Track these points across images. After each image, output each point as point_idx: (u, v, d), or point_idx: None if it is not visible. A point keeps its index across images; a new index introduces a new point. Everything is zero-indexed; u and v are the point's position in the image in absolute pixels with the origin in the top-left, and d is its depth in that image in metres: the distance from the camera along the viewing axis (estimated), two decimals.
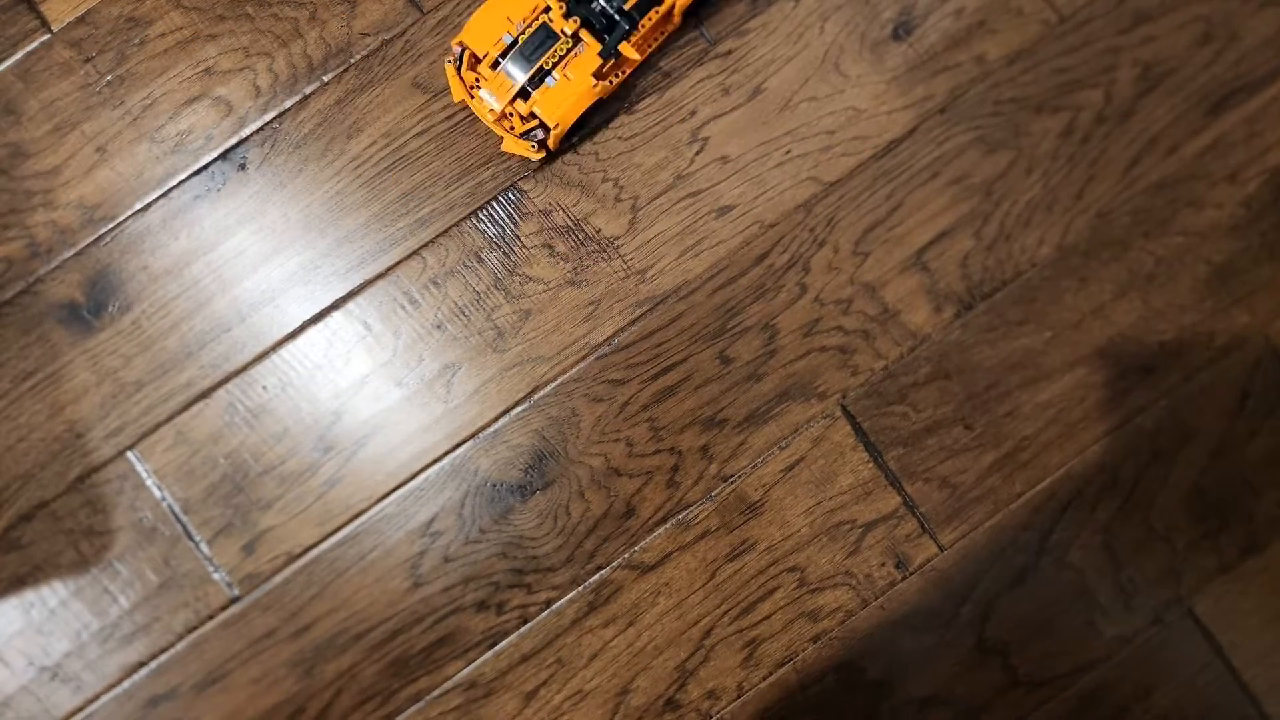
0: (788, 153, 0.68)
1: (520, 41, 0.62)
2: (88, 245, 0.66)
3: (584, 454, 0.67)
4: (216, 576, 0.66)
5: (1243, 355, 0.69)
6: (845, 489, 0.68)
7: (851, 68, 0.68)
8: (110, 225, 0.67)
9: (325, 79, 0.67)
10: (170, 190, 0.67)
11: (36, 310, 0.66)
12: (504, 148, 0.65)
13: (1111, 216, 0.69)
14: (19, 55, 0.67)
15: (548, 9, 0.62)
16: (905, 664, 0.67)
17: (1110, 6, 0.69)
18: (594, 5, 0.63)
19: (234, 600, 0.66)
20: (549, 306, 0.67)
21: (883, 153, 0.68)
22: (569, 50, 0.62)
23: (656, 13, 0.64)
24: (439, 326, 0.67)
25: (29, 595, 0.66)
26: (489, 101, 0.62)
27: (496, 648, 0.67)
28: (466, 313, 0.67)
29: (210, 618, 0.66)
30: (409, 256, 0.67)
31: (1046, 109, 0.68)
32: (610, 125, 0.68)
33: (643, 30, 0.64)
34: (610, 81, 0.64)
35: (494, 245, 0.67)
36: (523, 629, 0.67)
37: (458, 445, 0.67)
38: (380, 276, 0.67)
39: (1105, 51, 0.69)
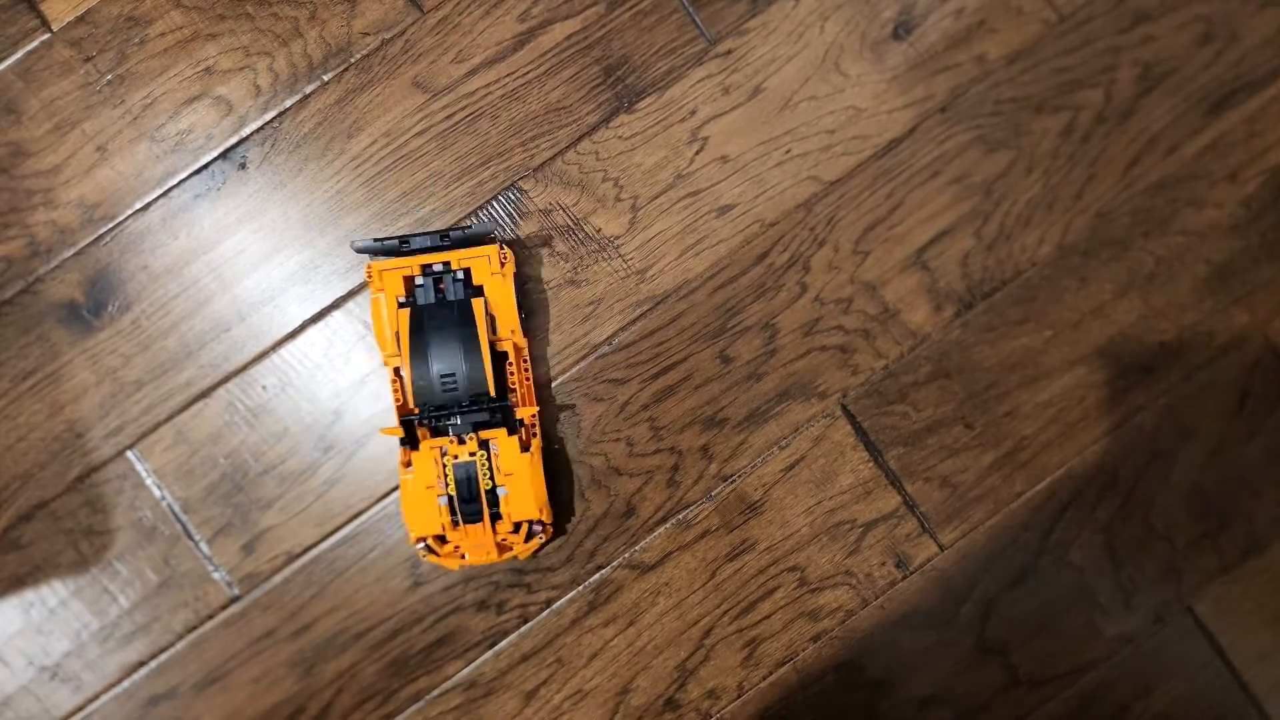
0: (788, 152, 0.68)
1: (454, 496, 0.61)
2: (88, 244, 0.66)
3: (584, 453, 0.67)
4: (216, 576, 0.66)
5: (1242, 354, 0.69)
6: (845, 488, 0.68)
7: (852, 67, 0.68)
8: (110, 224, 0.67)
9: (325, 78, 0.67)
10: (170, 189, 0.67)
11: (36, 310, 0.66)
12: (523, 559, 0.66)
13: (1111, 216, 0.69)
14: (19, 54, 0.66)
15: (444, 450, 0.61)
16: (905, 663, 0.67)
17: (1110, 6, 0.69)
18: (458, 418, 0.62)
19: (234, 600, 0.66)
20: (549, 306, 0.67)
21: (883, 152, 0.68)
22: (489, 459, 0.62)
23: (509, 366, 0.63)
24: None
25: (29, 595, 0.66)
26: (482, 549, 0.62)
27: (496, 647, 0.67)
28: None
29: (210, 617, 0.66)
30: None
31: (1047, 108, 0.68)
32: (610, 125, 0.68)
33: (515, 389, 0.63)
34: (535, 435, 0.64)
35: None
36: (523, 628, 0.67)
37: None
38: None
39: (1105, 51, 0.69)
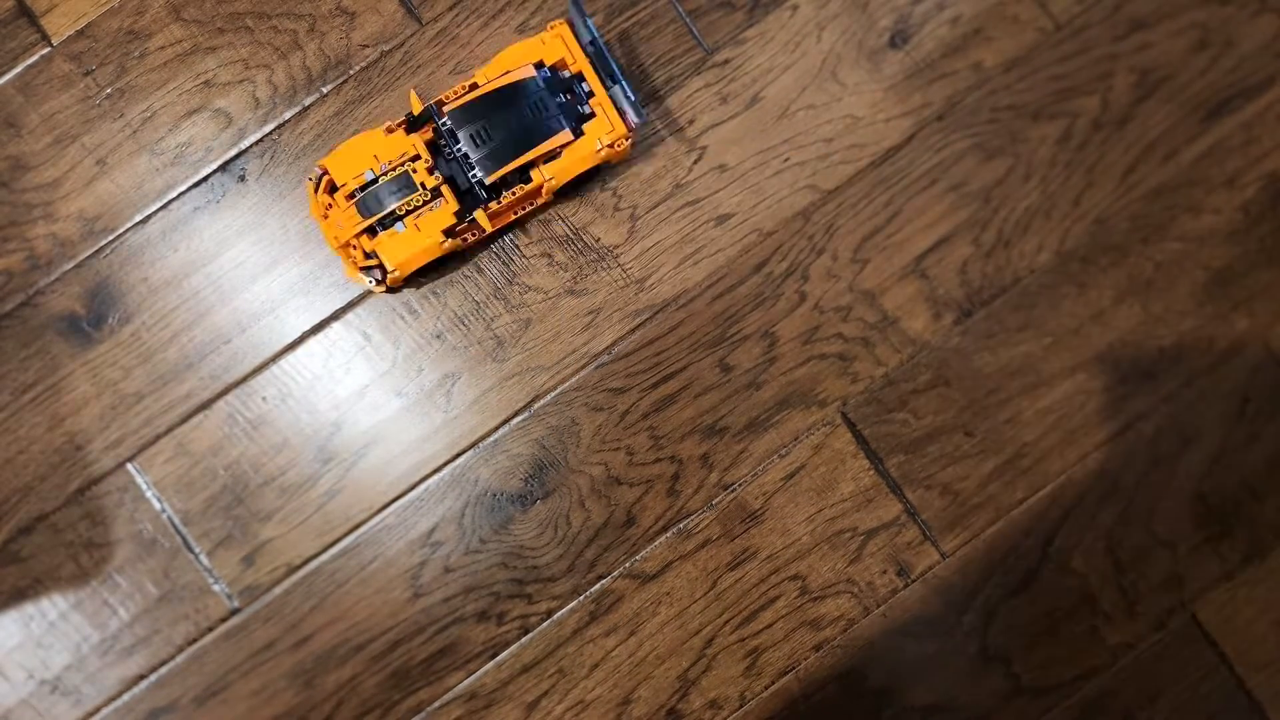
0: (786, 161, 0.68)
1: (380, 182, 0.62)
2: (88, 257, 0.67)
3: (584, 463, 0.67)
4: (216, 588, 0.66)
5: (1242, 360, 0.69)
6: (846, 496, 0.68)
7: (849, 76, 0.68)
8: (110, 237, 0.67)
9: (324, 91, 0.67)
10: (170, 202, 0.67)
11: (37, 322, 0.66)
12: (345, 274, 0.66)
13: (1110, 222, 0.69)
14: (19, 68, 0.67)
15: (416, 158, 0.62)
16: (907, 672, 0.67)
17: (1106, 13, 0.69)
18: (458, 168, 0.63)
19: (234, 612, 0.66)
20: (548, 315, 0.67)
21: (881, 160, 0.68)
22: (424, 203, 0.62)
23: (522, 188, 0.63)
24: (438, 336, 0.67)
25: (29, 608, 0.66)
26: (335, 232, 0.63)
27: (498, 658, 0.67)
28: (466, 322, 0.67)
29: (210, 630, 0.66)
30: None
31: (1044, 116, 0.69)
32: None
33: (502, 204, 0.63)
34: (463, 240, 0.64)
35: (493, 255, 0.67)
36: (524, 639, 0.67)
37: (458, 455, 0.67)
38: None
39: (1102, 58, 0.69)
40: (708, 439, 0.67)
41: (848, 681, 0.67)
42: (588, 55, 0.64)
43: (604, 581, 0.67)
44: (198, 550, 0.66)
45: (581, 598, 0.67)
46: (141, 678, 0.66)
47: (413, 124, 0.63)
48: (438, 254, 0.63)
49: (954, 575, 0.68)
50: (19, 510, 0.66)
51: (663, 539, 0.67)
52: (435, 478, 0.67)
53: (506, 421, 0.67)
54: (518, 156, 0.62)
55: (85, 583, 0.66)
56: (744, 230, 0.68)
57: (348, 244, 0.63)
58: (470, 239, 0.64)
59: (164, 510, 0.66)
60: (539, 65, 0.63)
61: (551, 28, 0.64)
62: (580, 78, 0.64)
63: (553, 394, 0.67)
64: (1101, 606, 0.68)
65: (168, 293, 0.67)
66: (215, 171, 0.67)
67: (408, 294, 0.67)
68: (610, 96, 0.63)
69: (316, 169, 0.63)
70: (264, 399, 0.67)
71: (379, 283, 0.64)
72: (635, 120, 0.62)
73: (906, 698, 0.67)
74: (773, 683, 0.67)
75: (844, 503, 0.68)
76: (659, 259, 0.68)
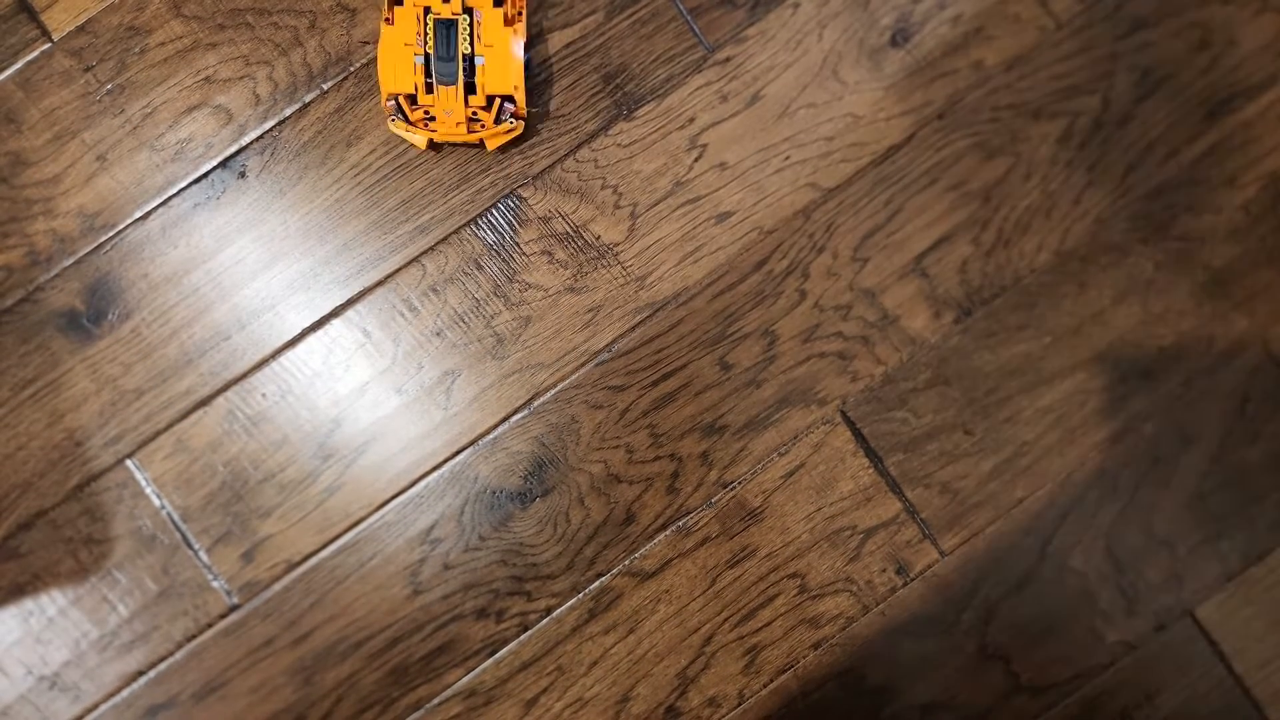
0: (786, 159, 0.68)
1: (431, 54, 0.62)
2: (88, 253, 0.67)
3: (584, 460, 0.67)
4: (216, 585, 0.66)
5: (1242, 360, 0.69)
6: (845, 495, 0.68)
7: (850, 74, 0.68)
8: (110, 233, 0.67)
9: (325, 87, 0.67)
10: (170, 198, 0.67)
11: (36, 318, 0.66)
12: (491, 147, 0.65)
13: (1110, 222, 0.69)
14: (20, 64, 0.67)
15: (427, 10, 0.62)
16: (907, 670, 0.67)
17: (1107, 12, 0.69)
18: None
19: (233, 608, 0.66)
20: (548, 313, 0.67)
21: (881, 159, 0.68)
22: (470, 25, 0.62)
23: None
24: (438, 333, 0.67)
25: (28, 604, 0.66)
26: (451, 119, 0.62)
27: (496, 655, 0.67)
28: (466, 320, 0.67)
29: (209, 626, 0.66)
30: (408, 264, 0.67)
31: (1044, 115, 0.69)
32: (609, 132, 0.68)
33: None
34: (520, 15, 0.63)
35: (493, 252, 0.67)
36: (523, 636, 0.67)
37: (457, 452, 0.67)
38: (380, 284, 0.67)
39: (1103, 58, 0.69)
40: (707, 437, 0.67)
41: (846, 679, 0.67)
42: None
43: (603, 579, 0.67)
44: (197, 546, 0.66)
45: (581, 595, 0.67)
46: (140, 674, 0.66)
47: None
48: (519, 46, 0.62)
49: (953, 574, 0.68)
50: (18, 506, 0.66)
51: (662, 537, 0.67)
52: (435, 475, 0.67)
53: (506, 419, 0.67)
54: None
55: (84, 579, 0.66)
56: (744, 228, 0.68)
57: (469, 119, 0.62)
58: (523, 13, 0.64)
59: (163, 506, 0.66)
60: None
61: None
62: None
63: (552, 391, 0.67)
64: (1100, 605, 0.68)
65: (168, 289, 0.67)
66: (216, 168, 0.67)
67: (407, 291, 0.67)
68: None
69: (387, 103, 0.63)
70: (264, 395, 0.67)
71: (515, 116, 0.63)
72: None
73: (905, 696, 0.67)
74: (771, 681, 0.67)
75: (843, 501, 0.68)
76: (659, 257, 0.68)
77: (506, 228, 0.68)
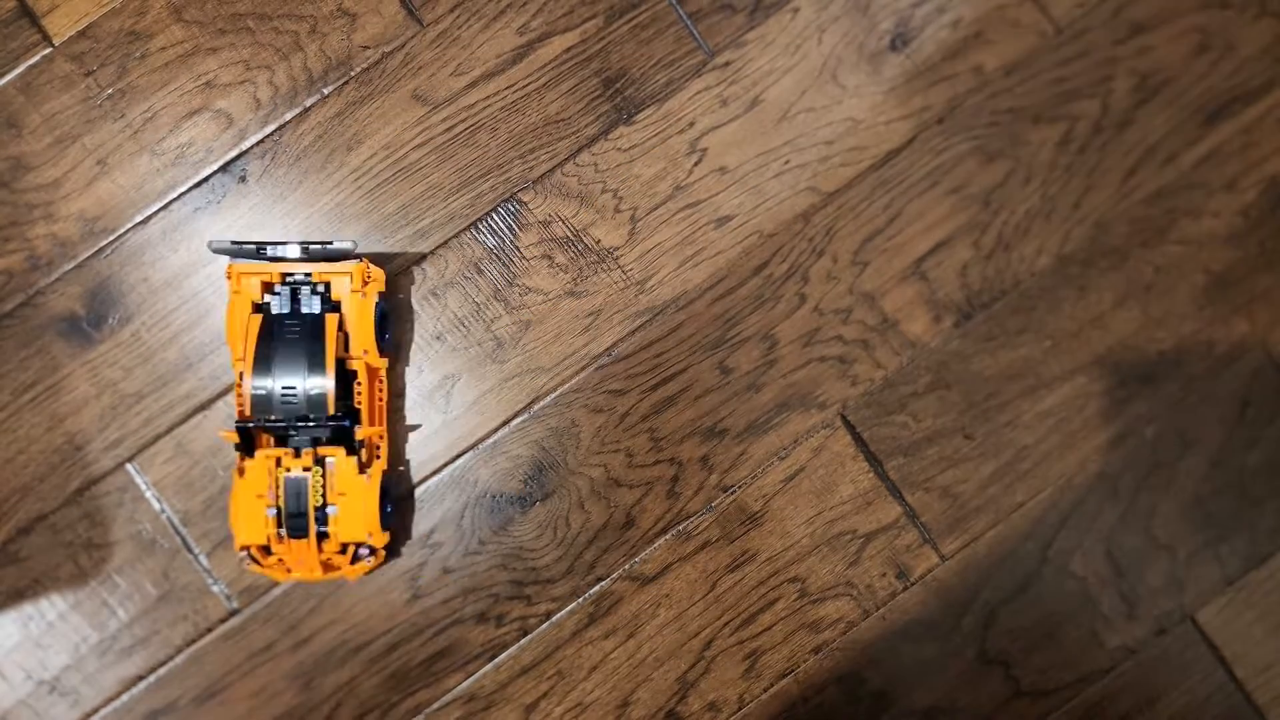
0: (786, 163, 0.68)
1: (282, 509, 0.60)
2: (88, 258, 0.67)
3: (584, 465, 0.67)
4: (215, 589, 0.66)
5: (1242, 364, 0.69)
6: (846, 499, 0.68)
7: (849, 78, 0.68)
8: (111, 238, 0.67)
9: (325, 92, 0.67)
10: (171, 203, 0.67)
11: (37, 322, 0.66)
12: (352, 579, 0.65)
13: (1110, 226, 0.69)
14: (21, 69, 0.67)
15: (279, 462, 0.60)
16: (907, 675, 0.67)
17: (1107, 17, 0.69)
18: (297, 431, 0.60)
19: (233, 613, 0.66)
20: (548, 317, 0.67)
21: (881, 163, 0.68)
22: (323, 476, 0.61)
23: (358, 385, 0.62)
24: (438, 337, 0.67)
25: (27, 608, 0.66)
26: (306, 565, 0.61)
27: (496, 660, 0.66)
28: (466, 323, 0.67)
29: (209, 630, 0.66)
30: (409, 268, 0.67)
31: (1044, 119, 0.69)
32: (609, 137, 0.68)
33: (364, 406, 0.62)
34: (377, 457, 0.63)
35: (493, 256, 0.67)
36: (522, 641, 0.67)
37: (457, 456, 0.67)
38: None
39: (1102, 62, 0.69)
40: (707, 441, 0.67)
41: (847, 684, 0.67)
42: (278, 260, 0.62)
43: (603, 583, 0.67)
44: (197, 551, 0.66)
45: (581, 599, 0.67)
46: (140, 678, 0.66)
47: (244, 445, 0.61)
48: (376, 486, 0.61)
49: (953, 578, 0.67)
50: (18, 510, 0.66)
51: (662, 541, 0.67)
52: (435, 479, 0.67)
53: (506, 423, 0.67)
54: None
55: (84, 583, 0.66)
56: (744, 232, 0.68)
57: (325, 564, 0.62)
58: (380, 453, 0.63)
59: (163, 511, 0.66)
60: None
61: (230, 278, 0.62)
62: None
63: (552, 395, 0.67)
64: (1101, 610, 0.67)
65: (168, 293, 0.67)
66: (216, 172, 0.67)
67: (407, 295, 0.67)
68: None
69: (240, 553, 0.62)
70: None
71: (373, 551, 0.62)
72: (351, 247, 0.61)
73: (906, 700, 0.67)
74: (772, 685, 0.67)
75: (843, 505, 0.68)
76: (659, 261, 0.68)
77: (506, 232, 0.68)
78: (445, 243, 0.67)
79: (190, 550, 0.66)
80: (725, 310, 0.68)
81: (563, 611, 0.67)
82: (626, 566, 0.67)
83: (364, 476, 0.61)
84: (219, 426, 0.66)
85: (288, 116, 0.67)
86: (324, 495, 0.61)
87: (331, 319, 0.61)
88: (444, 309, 0.67)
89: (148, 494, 0.66)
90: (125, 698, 0.66)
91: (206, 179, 0.67)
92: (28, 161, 0.67)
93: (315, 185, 0.67)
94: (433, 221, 0.67)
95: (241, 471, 0.61)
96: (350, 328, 0.62)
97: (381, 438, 0.64)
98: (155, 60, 0.67)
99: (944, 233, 0.68)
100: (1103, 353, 0.68)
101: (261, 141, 0.67)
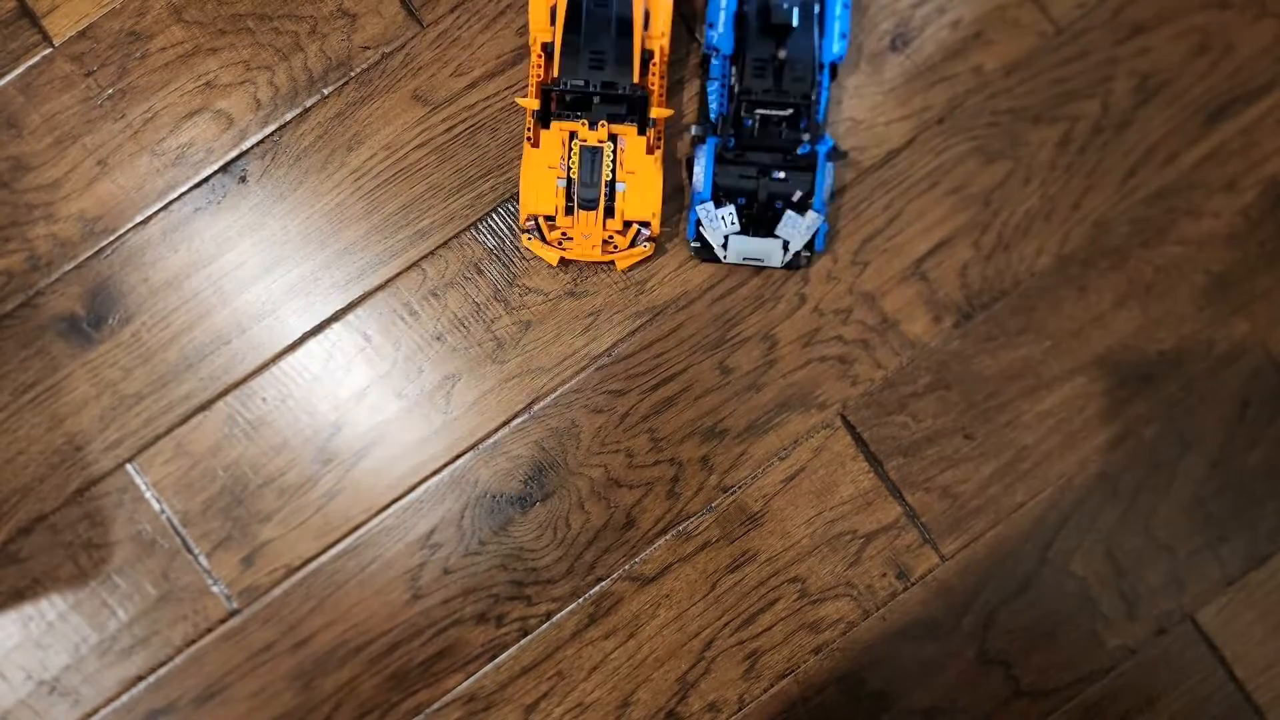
0: None
1: (574, 179, 0.63)
2: (88, 258, 0.67)
3: (584, 465, 0.67)
4: (215, 589, 0.66)
5: (1242, 364, 0.69)
6: (846, 499, 0.68)
7: (849, 79, 0.68)
8: (111, 238, 0.67)
9: (325, 92, 0.67)
10: (171, 203, 0.67)
11: (36, 323, 0.66)
12: (620, 267, 0.66)
13: (1110, 226, 0.69)
14: (21, 69, 0.67)
15: (573, 135, 0.63)
16: (907, 675, 0.67)
17: (1106, 17, 0.69)
18: (595, 100, 0.64)
19: (233, 613, 0.66)
20: (548, 317, 0.67)
21: (881, 163, 0.68)
22: (614, 152, 0.63)
23: (653, 66, 0.65)
24: (439, 338, 0.67)
25: (27, 609, 0.66)
26: (588, 241, 0.64)
27: (496, 660, 0.66)
28: (466, 324, 0.67)
29: (209, 631, 0.66)
30: (409, 268, 0.67)
31: (1044, 119, 0.69)
32: None
33: (654, 88, 0.65)
34: (659, 145, 0.65)
35: (494, 256, 0.67)
36: (523, 641, 0.67)
37: (457, 457, 0.67)
38: (380, 288, 0.67)
39: (1102, 62, 0.69)
40: (707, 441, 0.67)
41: (847, 684, 0.67)
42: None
43: (603, 584, 0.67)
44: (197, 551, 0.66)
45: (581, 600, 0.67)
46: (140, 679, 0.66)
47: (542, 113, 0.64)
48: (660, 174, 0.64)
49: (953, 578, 0.67)
50: (18, 511, 0.66)
51: (662, 541, 0.67)
52: (435, 479, 0.67)
53: (506, 423, 0.67)
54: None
55: (84, 583, 0.66)
56: None
57: (605, 240, 0.64)
58: (661, 142, 0.65)
59: (163, 511, 0.66)
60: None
61: None
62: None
63: (553, 396, 0.67)
64: (1101, 610, 0.67)
65: (168, 293, 0.67)
66: (216, 172, 0.67)
67: (408, 296, 0.67)
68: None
69: (525, 222, 0.64)
70: (264, 400, 0.67)
71: (650, 240, 0.65)
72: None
73: (906, 701, 0.67)
74: (772, 685, 0.67)
75: (843, 505, 0.68)
76: (659, 261, 0.68)
77: (506, 232, 0.68)
78: (445, 243, 0.67)
79: (190, 550, 0.66)
80: (725, 310, 0.68)
81: (563, 612, 0.67)
82: (626, 567, 0.67)
83: (652, 157, 0.63)
84: (219, 427, 0.66)
85: (288, 117, 0.67)
86: (614, 170, 0.63)
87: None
88: (444, 309, 0.67)
89: (148, 494, 0.66)
90: (125, 698, 0.66)
91: (207, 179, 0.67)
92: (28, 161, 0.67)
93: (315, 185, 0.67)
94: (433, 222, 0.67)
95: (536, 142, 0.63)
96: (652, 8, 0.64)
97: (662, 126, 0.65)
98: (155, 60, 0.67)
99: (944, 233, 0.68)
100: (1103, 353, 0.68)
101: (262, 142, 0.67)
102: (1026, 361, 0.68)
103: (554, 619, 0.67)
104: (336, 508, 0.66)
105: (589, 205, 0.63)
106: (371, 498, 0.67)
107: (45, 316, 0.66)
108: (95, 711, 0.65)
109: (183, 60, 0.67)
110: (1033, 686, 0.67)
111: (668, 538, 0.67)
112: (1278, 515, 0.68)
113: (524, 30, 0.68)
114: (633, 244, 0.64)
